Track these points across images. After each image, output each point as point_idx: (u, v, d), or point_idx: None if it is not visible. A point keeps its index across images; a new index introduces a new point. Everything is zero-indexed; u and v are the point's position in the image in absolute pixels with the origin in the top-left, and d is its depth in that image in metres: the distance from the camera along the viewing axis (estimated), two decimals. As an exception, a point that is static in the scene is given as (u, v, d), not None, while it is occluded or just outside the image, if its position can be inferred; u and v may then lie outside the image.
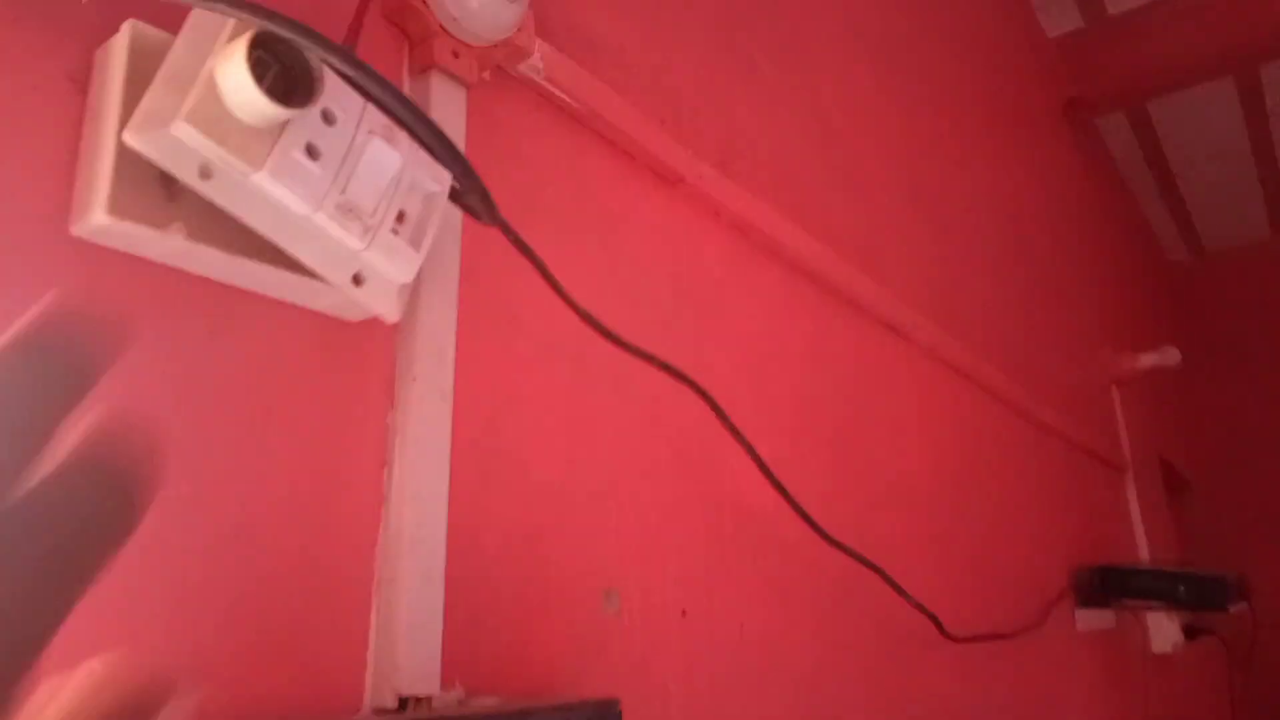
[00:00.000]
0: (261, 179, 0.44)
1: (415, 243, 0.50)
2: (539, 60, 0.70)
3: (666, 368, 0.72)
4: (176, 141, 0.42)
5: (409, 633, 0.51)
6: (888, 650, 1.07)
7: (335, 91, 0.47)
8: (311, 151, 0.46)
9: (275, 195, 0.45)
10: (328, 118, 0.47)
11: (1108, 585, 1.82)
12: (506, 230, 0.57)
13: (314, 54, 0.45)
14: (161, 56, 0.43)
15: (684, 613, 0.75)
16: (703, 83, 0.96)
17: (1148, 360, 2.57)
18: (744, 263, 0.97)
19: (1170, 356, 2.57)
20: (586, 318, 0.64)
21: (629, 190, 0.82)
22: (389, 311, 0.52)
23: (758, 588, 0.86)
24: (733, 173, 0.96)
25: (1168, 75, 2.60)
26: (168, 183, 0.44)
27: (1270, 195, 3.58)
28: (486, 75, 0.66)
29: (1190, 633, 2.30)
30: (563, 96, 0.74)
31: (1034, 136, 2.36)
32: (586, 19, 0.80)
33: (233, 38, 0.43)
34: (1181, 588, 1.76)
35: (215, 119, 0.42)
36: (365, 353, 0.55)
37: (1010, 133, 2.14)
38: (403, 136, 0.50)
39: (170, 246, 0.44)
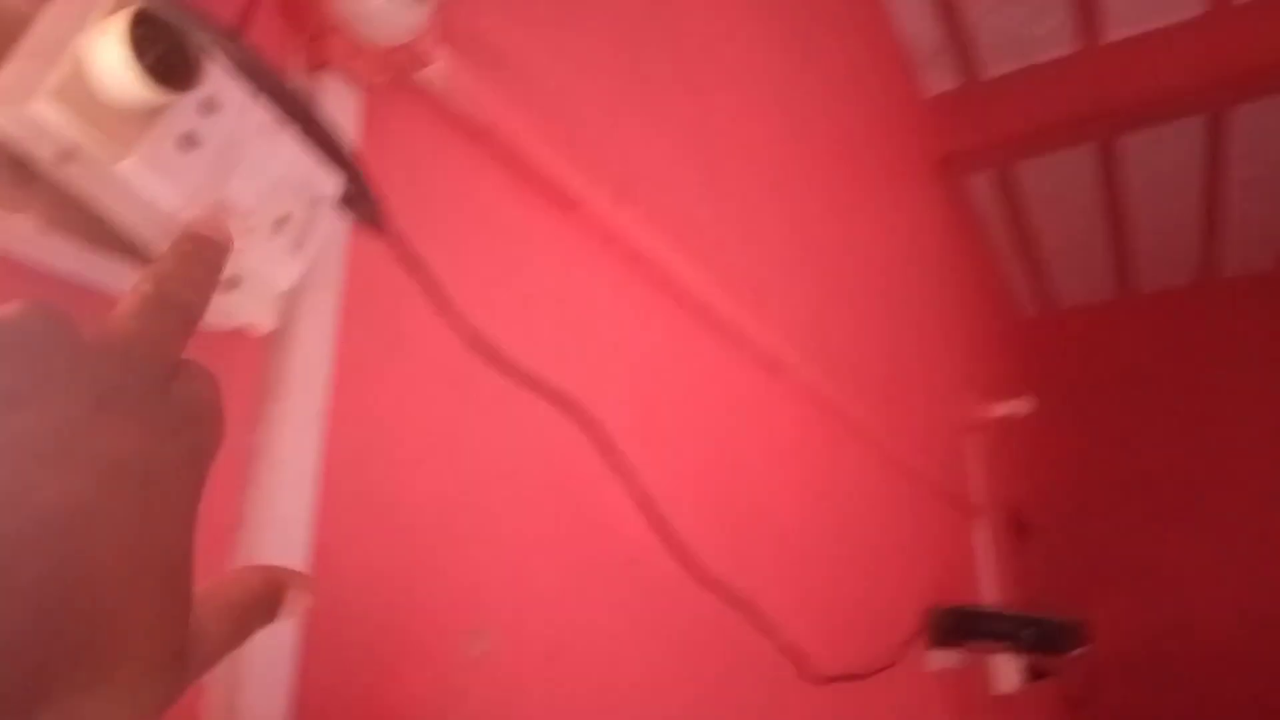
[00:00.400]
0: (129, 168, 0.40)
1: (297, 249, 0.46)
2: (441, 69, 0.67)
3: (552, 396, 0.70)
4: (36, 119, 0.37)
5: (256, 677, 0.46)
6: (751, 690, 1.07)
7: (219, 81, 0.44)
8: (188, 142, 0.42)
9: (143, 187, 0.41)
10: (209, 107, 0.43)
11: (958, 627, 1.88)
12: (396, 243, 0.54)
13: (199, 38, 0.41)
14: (24, 26, 0.38)
15: (553, 654, 0.73)
16: (603, 111, 0.95)
17: (1001, 408, 2.71)
18: (634, 293, 0.96)
19: (1021, 406, 2.71)
20: (473, 340, 0.61)
21: (524, 212, 0.80)
22: (262, 321, 0.48)
23: (630, 627, 0.84)
24: (627, 203, 0.95)
25: (1034, 140, 2.77)
26: (21, 165, 0.39)
27: (1118, 258, 3.85)
28: (385, 79, 0.63)
29: (1032, 674, 2.42)
30: (463, 109, 0.71)
31: (908, 189, 2.47)
32: (492, 33, 0.78)
33: (111, 13, 0.39)
34: (1027, 632, 1.84)
35: (82, 98, 0.38)
36: (230, 365, 0.51)
37: (887, 184, 2.23)
38: (290, 135, 0.46)
39: (18, 234, 0.40)
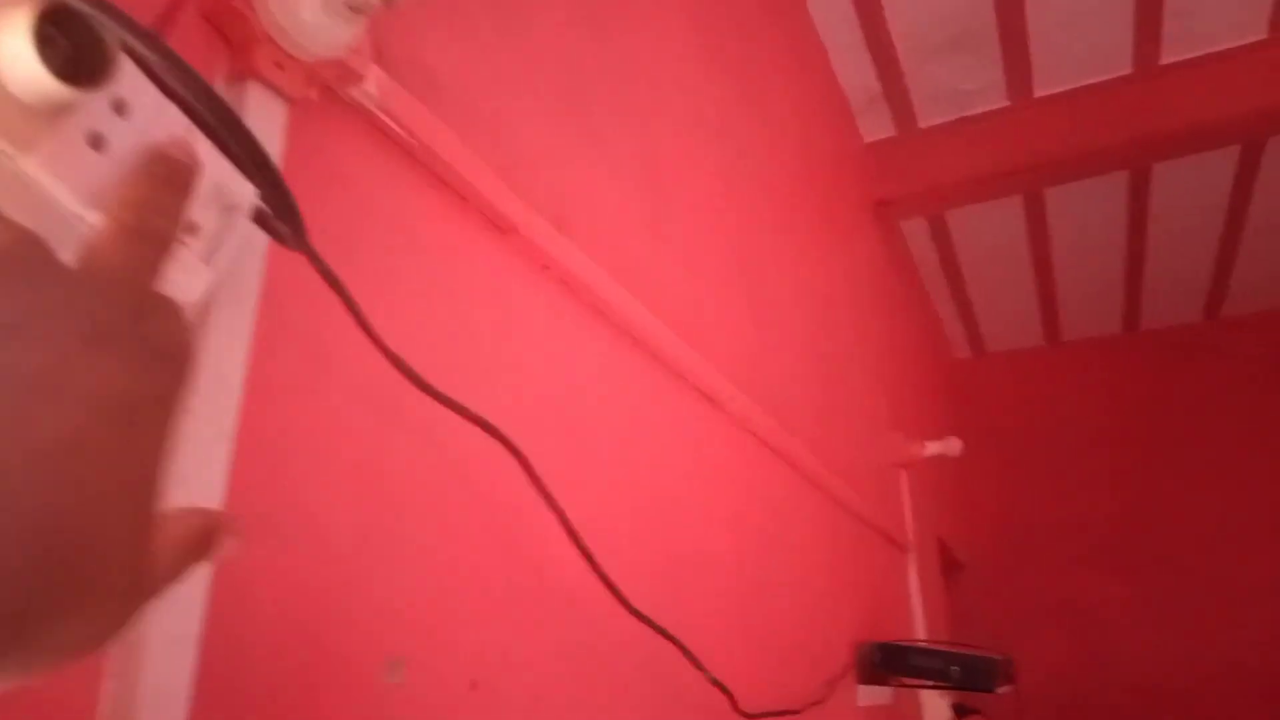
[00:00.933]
0: (31, 165, 0.38)
1: (207, 259, 0.44)
2: (373, 87, 0.66)
3: (479, 421, 0.68)
4: (-76, 112, 0.35)
5: (149, 707, 0.44)
6: (680, 725, 1.05)
7: (133, 81, 0.42)
8: (96, 142, 0.40)
9: (45, 186, 0.39)
10: (120, 108, 0.41)
11: (888, 662, 1.89)
12: (313, 258, 0.52)
13: (112, 34, 0.40)
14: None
15: (474, 683, 0.70)
16: (544, 137, 0.95)
17: (933, 448, 2.76)
18: (570, 320, 0.95)
19: (953, 446, 2.76)
20: (396, 361, 0.60)
21: (458, 234, 0.79)
22: (169, 333, 0.46)
23: (555, 657, 0.82)
24: (566, 229, 0.94)
25: (965, 188, 2.85)
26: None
27: (1045, 307, 3.97)
28: (313, 94, 0.62)
29: (959, 711, 2.44)
30: (395, 128, 0.70)
31: (846, 231, 2.51)
32: (430, 54, 0.78)
33: (18, 3, 0.38)
34: (954, 668, 1.85)
35: (-20, 92, 0.36)
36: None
37: (826, 225, 2.27)
38: (205, 140, 0.45)
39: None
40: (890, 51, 2.47)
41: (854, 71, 2.56)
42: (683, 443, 1.20)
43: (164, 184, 0.31)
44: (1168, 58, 2.47)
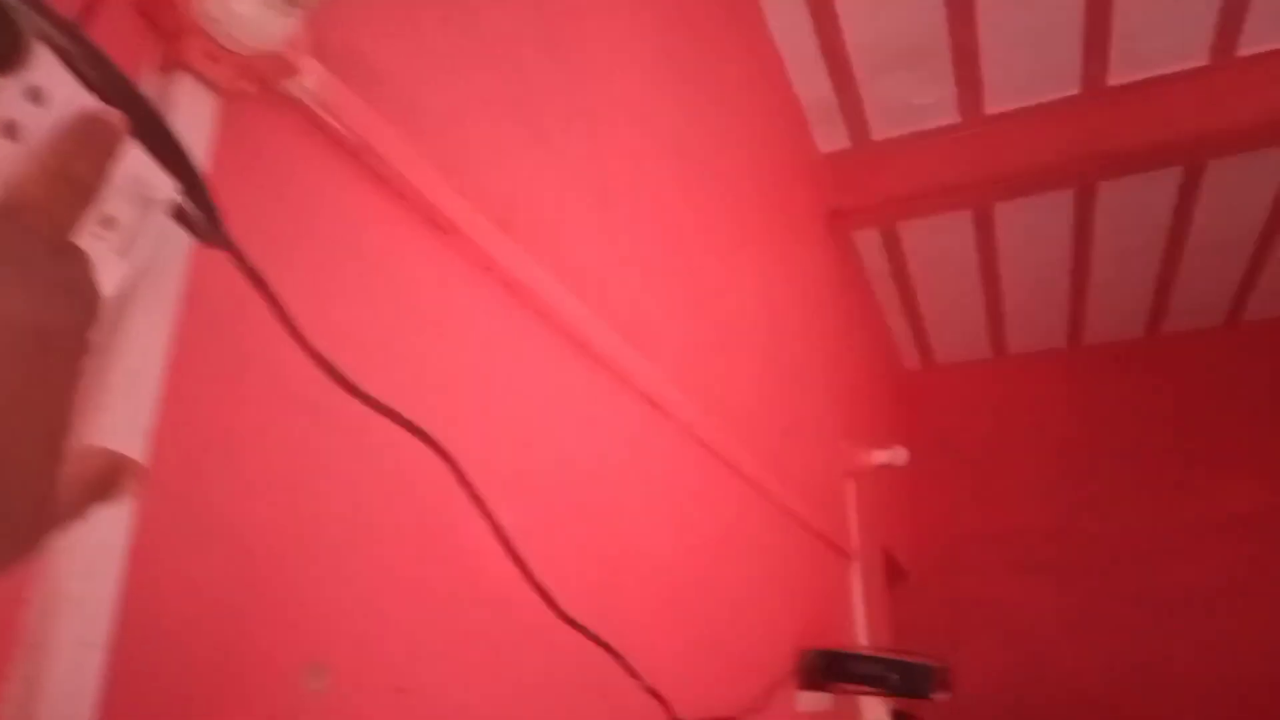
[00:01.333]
0: (-66, 156, 0.37)
1: (122, 253, 0.43)
2: (310, 81, 0.65)
3: (407, 425, 0.67)
4: None
5: (52, 712, 0.43)
6: (615, 731, 1.05)
7: (50, 71, 0.41)
8: (9, 130, 0.39)
9: (-49, 178, 0.38)
10: (35, 96, 0.40)
11: (828, 669, 1.91)
12: (235, 254, 0.51)
13: (26, 20, 0.39)
14: None
15: (400, 689, 0.70)
16: (490, 136, 0.95)
17: (880, 457, 2.79)
18: (512, 323, 0.94)
19: (900, 455, 2.79)
20: (322, 362, 0.59)
21: (396, 234, 0.78)
22: (82, 328, 0.45)
23: (486, 664, 0.82)
24: (511, 231, 0.94)
25: (917, 202, 2.89)
26: None
27: (992, 320, 4.04)
28: (248, 87, 0.61)
29: (898, 717, 2.47)
30: (333, 123, 0.69)
31: (799, 240, 2.53)
32: (373, 51, 0.77)
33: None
34: (894, 676, 1.88)
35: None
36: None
37: (779, 233, 2.28)
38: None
39: None
40: (845, 64, 2.50)
41: (810, 82, 2.59)
42: (626, 448, 1.19)
43: (89, 139, 0.32)
44: (1115, 79, 2.53)
